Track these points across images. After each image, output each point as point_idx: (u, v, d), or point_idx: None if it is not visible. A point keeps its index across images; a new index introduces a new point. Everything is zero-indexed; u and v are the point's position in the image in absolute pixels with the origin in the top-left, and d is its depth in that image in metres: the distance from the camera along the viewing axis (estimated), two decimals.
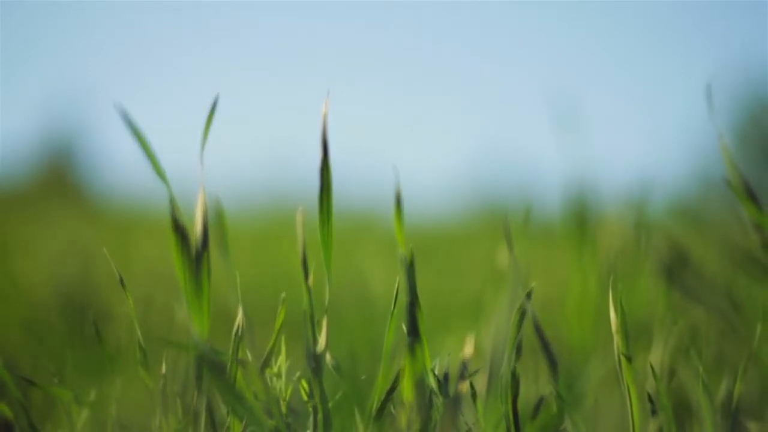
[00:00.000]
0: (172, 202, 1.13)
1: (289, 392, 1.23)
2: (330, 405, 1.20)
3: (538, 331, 1.14)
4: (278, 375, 1.25)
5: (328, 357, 1.21)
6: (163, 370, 1.23)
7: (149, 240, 4.47)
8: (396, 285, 1.14)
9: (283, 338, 1.33)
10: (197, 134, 1.21)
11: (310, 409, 1.21)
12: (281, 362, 1.26)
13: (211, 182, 1.26)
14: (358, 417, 1.18)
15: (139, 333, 1.36)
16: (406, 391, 1.14)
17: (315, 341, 1.21)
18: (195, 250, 1.23)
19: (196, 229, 1.20)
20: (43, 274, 2.98)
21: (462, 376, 1.17)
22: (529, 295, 1.11)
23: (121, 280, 1.31)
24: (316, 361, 1.20)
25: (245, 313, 1.34)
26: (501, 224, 1.15)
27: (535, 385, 1.28)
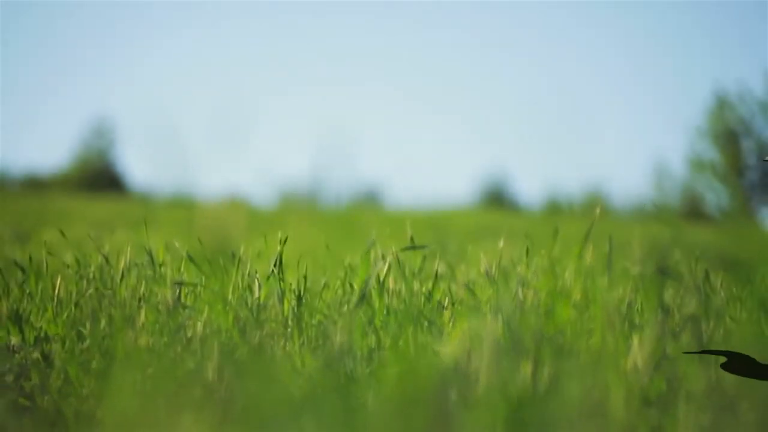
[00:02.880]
0: (196, 203, 1.21)
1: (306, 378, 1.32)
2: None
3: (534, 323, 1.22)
4: (298, 361, 1.34)
5: (346, 348, 1.29)
6: (190, 357, 1.32)
7: (177, 222, 4.54)
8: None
9: (302, 327, 1.42)
10: (210, 131, 1.29)
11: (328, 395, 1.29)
12: (298, 350, 1.35)
13: (233, 176, 1.34)
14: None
15: (166, 320, 1.45)
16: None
17: (335, 334, 1.29)
18: (219, 244, 1.30)
19: (222, 223, 1.28)
20: (79, 254, 3.07)
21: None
22: (519, 294, 1.20)
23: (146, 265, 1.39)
24: (339, 353, 1.28)
25: (265, 299, 1.43)
26: (504, 222, 1.24)
27: (535, 370, 1.36)
